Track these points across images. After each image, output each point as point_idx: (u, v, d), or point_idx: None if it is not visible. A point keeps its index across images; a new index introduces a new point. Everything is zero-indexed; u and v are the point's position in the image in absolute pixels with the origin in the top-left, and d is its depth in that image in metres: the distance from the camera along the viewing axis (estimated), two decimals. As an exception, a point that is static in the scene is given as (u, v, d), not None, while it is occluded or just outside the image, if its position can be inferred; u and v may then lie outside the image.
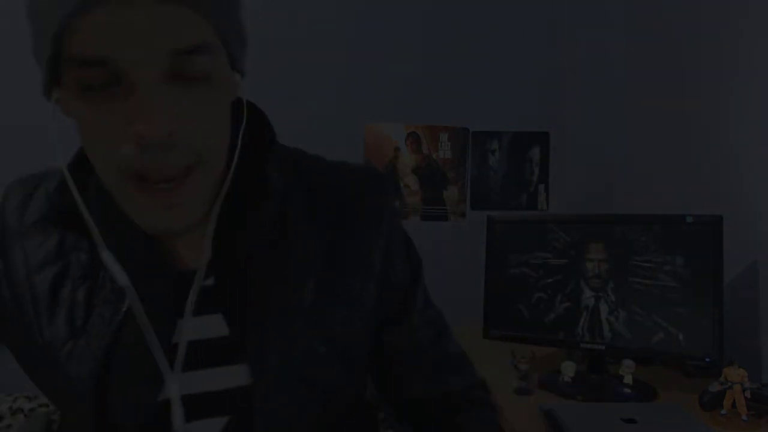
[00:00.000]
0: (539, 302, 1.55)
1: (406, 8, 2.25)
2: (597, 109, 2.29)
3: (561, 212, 2.18)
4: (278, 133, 0.71)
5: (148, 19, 0.50)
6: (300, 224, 0.67)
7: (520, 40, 2.28)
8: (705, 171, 1.70)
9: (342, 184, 0.72)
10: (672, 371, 1.55)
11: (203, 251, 0.63)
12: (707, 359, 1.34)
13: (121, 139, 0.52)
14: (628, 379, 1.40)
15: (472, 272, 1.80)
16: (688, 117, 1.80)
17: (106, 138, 0.53)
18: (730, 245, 1.37)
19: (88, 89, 0.52)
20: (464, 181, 2.32)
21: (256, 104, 0.70)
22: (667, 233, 1.40)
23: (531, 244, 1.58)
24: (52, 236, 0.66)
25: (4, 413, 1.90)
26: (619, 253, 1.45)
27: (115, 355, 0.62)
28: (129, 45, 0.50)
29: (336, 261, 0.68)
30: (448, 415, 0.78)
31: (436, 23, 2.27)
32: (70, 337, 0.63)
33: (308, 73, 2.19)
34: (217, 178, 0.61)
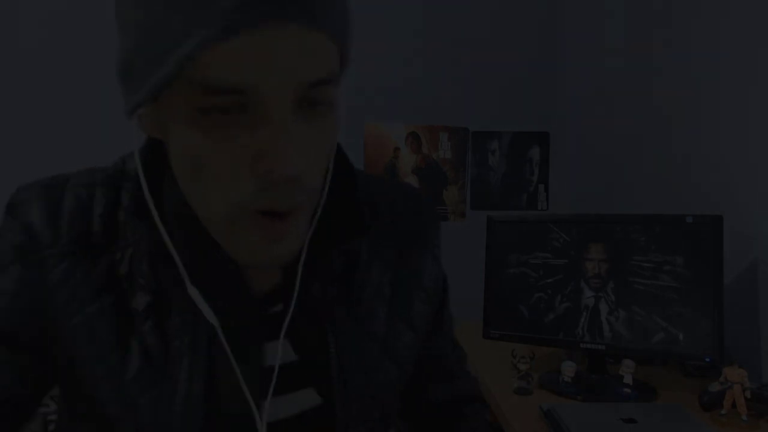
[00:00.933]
0: (539, 302, 1.55)
1: (405, 8, 2.25)
2: (597, 109, 2.29)
3: (561, 212, 2.18)
4: None
5: (295, 47, 0.46)
6: (369, 251, 0.68)
7: (520, 39, 2.28)
8: (705, 171, 1.70)
9: (396, 206, 0.72)
10: (672, 371, 1.55)
11: (272, 277, 0.63)
12: (707, 359, 1.34)
13: (247, 172, 0.49)
14: (628, 379, 1.40)
15: (472, 272, 1.80)
16: (688, 117, 1.80)
17: (226, 170, 0.49)
18: (730, 245, 1.36)
19: (207, 114, 0.48)
20: (464, 181, 2.32)
21: None
22: (667, 233, 1.40)
23: (531, 244, 1.57)
24: (100, 259, 0.58)
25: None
26: (619, 253, 1.45)
27: (199, 387, 0.58)
28: (272, 74, 0.46)
29: (400, 287, 0.70)
30: (454, 420, 0.82)
31: (436, 23, 2.27)
32: (146, 371, 0.57)
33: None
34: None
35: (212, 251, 0.56)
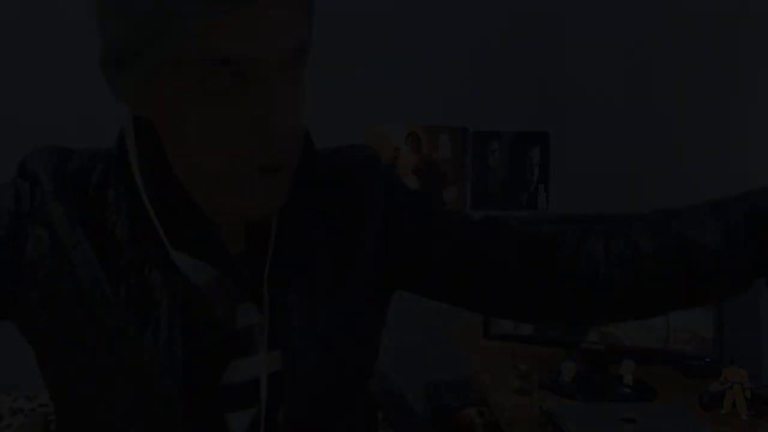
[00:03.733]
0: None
1: (405, 8, 2.25)
2: (597, 109, 2.29)
3: (561, 212, 2.18)
4: None
5: (281, 19, 0.54)
6: (318, 213, 0.69)
7: (520, 39, 2.28)
8: (705, 171, 1.70)
9: (353, 176, 0.72)
10: (672, 371, 1.55)
11: (241, 237, 0.65)
12: (707, 359, 1.34)
13: (247, 131, 0.55)
14: (628, 379, 1.40)
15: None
16: (688, 117, 1.80)
17: (230, 131, 0.55)
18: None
19: (207, 84, 0.54)
20: (464, 181, 2.32)
21: None
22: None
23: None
24: (94, 227, 0.62)
25: (4, 413, 1.90)
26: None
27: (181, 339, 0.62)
28: (265, 44, 0.53)
29: (344, 248, 0.69)
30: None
31: (436, 22, 2.27)
32: (139, 324, 0.61)
33: (308, 74, 2.19)
34: None
35: (194, 215, 0.62)
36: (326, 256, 0.68)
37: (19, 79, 2.07)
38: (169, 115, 0.57)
